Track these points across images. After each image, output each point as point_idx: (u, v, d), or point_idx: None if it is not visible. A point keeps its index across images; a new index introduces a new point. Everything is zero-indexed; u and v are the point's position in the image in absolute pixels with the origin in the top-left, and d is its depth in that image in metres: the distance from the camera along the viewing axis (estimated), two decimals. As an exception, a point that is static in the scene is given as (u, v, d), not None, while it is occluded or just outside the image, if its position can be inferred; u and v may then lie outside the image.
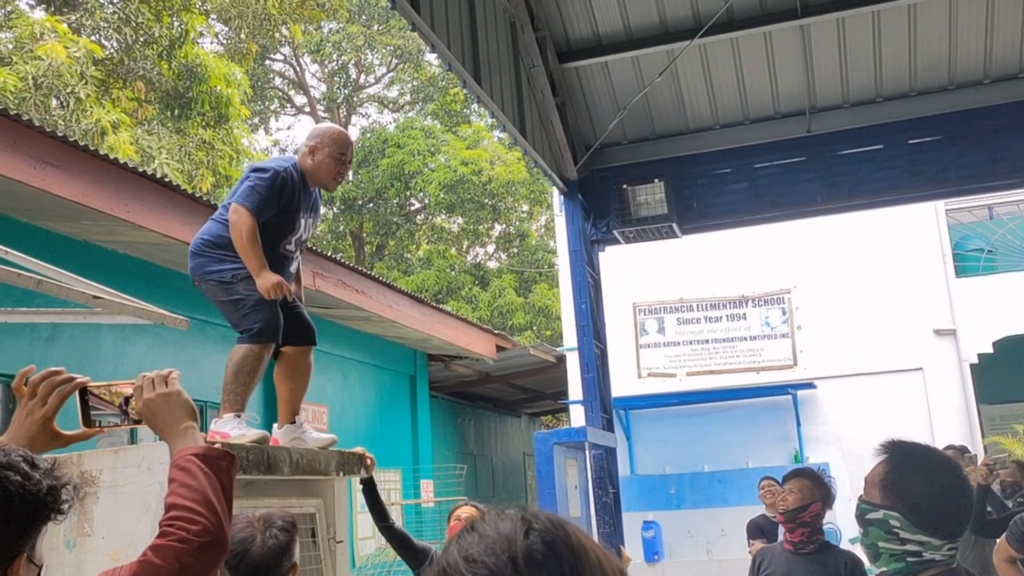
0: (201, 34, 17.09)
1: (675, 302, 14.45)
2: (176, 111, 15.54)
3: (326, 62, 28.25)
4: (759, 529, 7.03)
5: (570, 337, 13.69)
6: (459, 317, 14.93)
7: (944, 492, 2.18)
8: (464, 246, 27.71)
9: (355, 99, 29.30)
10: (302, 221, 4.02)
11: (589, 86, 8.50)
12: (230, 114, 15.77)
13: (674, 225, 8.41)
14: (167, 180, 8.57)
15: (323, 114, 29.07)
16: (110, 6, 15.26)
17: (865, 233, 13.37)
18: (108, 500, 3.00)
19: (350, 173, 25.61)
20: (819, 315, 13.84)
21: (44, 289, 4.05)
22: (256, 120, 27.30)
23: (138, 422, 1.94)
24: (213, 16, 19.19)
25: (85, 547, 2.97)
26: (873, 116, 8.31)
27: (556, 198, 15.11)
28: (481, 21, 6.81)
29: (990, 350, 13.27)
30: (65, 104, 12.74)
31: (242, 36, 19.13)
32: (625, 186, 8.45)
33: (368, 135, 27.20)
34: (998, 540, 4.68)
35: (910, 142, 8.24)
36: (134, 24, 14.55)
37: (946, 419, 13.14)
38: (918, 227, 13.71)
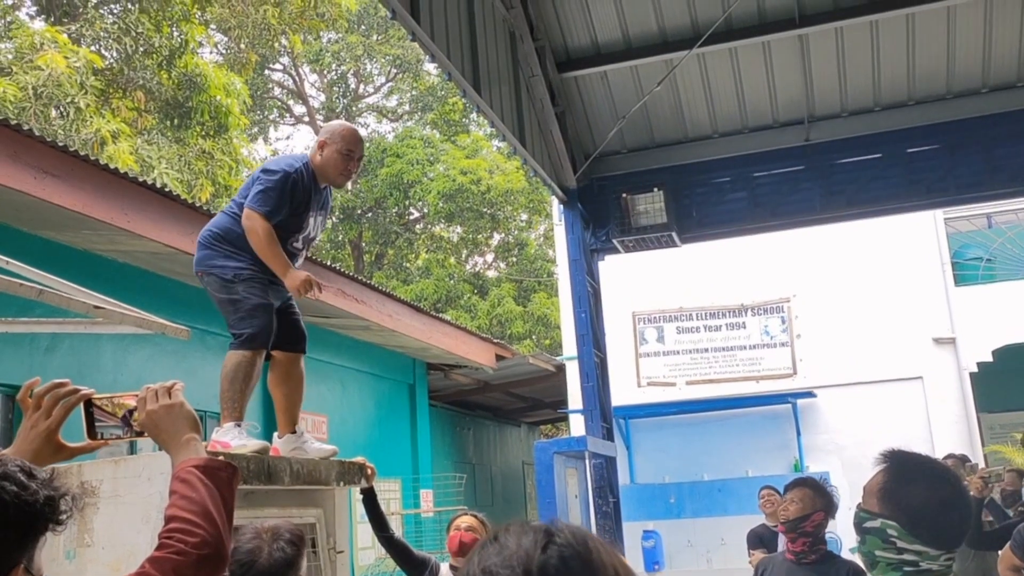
0: (201, 44, 17.13)
1: (674, 311, 14.46)
2: (176, 121, 15.56)
3: (325, 72, 28.30)
4: (759, 539, 7.01)
5: (570, 346, 13.69)
6: (458, 326, 14.92)
7: (942, 502, 2.18)
8: (463, 255, 27.72)
9: (354, 109, 29.34)
10: (311, 220, 4.03)
11: (588, 95, 8.52)
12: (229, 124, 15.80)
13: (673, 234, 8.42)
14: (167, 190, 8.58)
15: (322, 124, 29.12)
16: (110, 16, 15.30)
17: (864, 242, 13.38)
18: (108, 511, 2.99)
19: (350, 182, 25.64)
20: (818, 324, 13.84)
21: (45, 299, 4.05)
22: (255, 130, 27.35)
23: (141, 434, 1.94)
24: (213, 26, 19.24)
25: (85, 558, 2.96)
26: (871, 125, 8.32)
27: (555, 207, 15.13)
28: (481, 31, 6.83)
29: (990, 359, 13.27)
30: (65, 114, 12.75)
31: (241, 46, 19.16)
32: (624, 195, 8.46)
33: (367, 145, 27.20)
34: (1001, 550, 4.67)
35: (909, 151, 8.25)
36: (134, 34, 14.58)
37: (946, 428, 13.13)
38: (917, 236, 13.72)
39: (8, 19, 14.62)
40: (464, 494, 14.53)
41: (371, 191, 25.05)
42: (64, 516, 1.53)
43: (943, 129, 8.14)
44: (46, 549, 1.57)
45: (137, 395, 1.94)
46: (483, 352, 14.78)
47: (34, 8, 16.13)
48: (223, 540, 1.70)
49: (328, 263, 10.94)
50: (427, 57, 6.20)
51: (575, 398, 13.21)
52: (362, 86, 29.41)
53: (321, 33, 24.45)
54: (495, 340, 16.02)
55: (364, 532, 10.23)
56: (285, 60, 27.26)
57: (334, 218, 26.12)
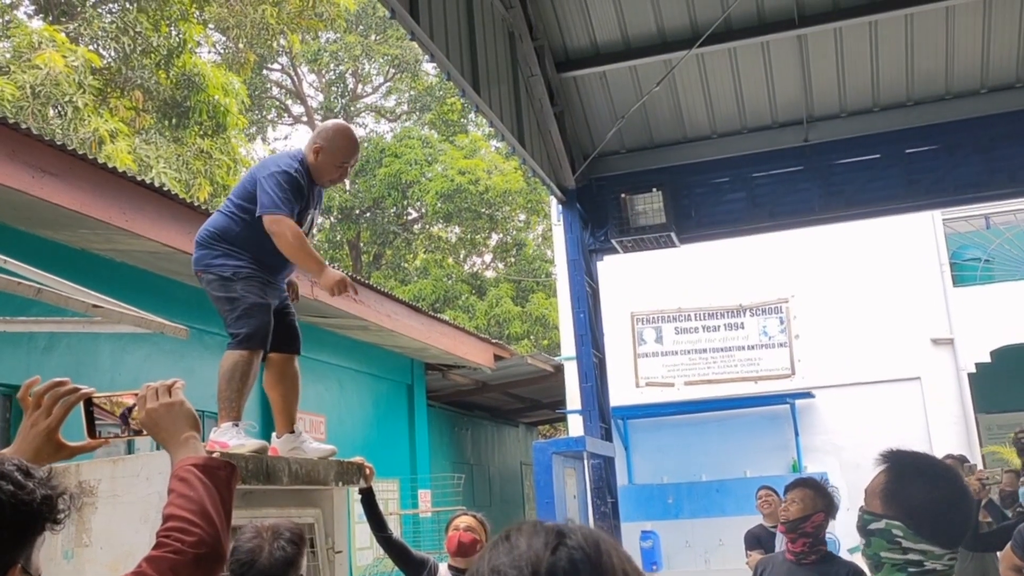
0: (199, 44, 17.12)
1: (673, 311, 14.46)
2: (174, 120, 15.55)
3: (324, 72, 28.28)
4: (756, 539, 7.01)
5: (568, 346, 13.69)
6: (456, 326, 14.92)
7: (946, 500, 2.18)
8: (461, 255, 27.71)
9: (352, 108, 29.33)
10: (309, 216, 4.04)
11: (587, 95, 8.52)
12: (228, 123, 15.78)
13: (672, 234, 8.41)
14: (165, 189, 8.57)
15: (320, 124, 29.08)
16: (108, 16, 15.28)
17: (862, 243, 13.38)
18: (106, 510, 2.99)
19: (347, 182, 25.64)
20: (817, 324, 13.84)
21: (43, 298, 4.04)
22: (254, 129, 27.32)
23: (139, 432, 1.94)
24: (211, 26, 19.22)
25: (83, 558, 2.95)
26: (870, 125, 8.33)
27: (554, 207, 15.13)
28: (480, 30, 6.82)
29: (988, 359, 13.28)
30: (63, 113, 12.74)
31: (240, 46, 19.15)
32: (623, 195, 8.46)
33: (365, 145, 27.21)
34: (1000, 552, 4.67)
35: (907, 151, 8.25)
36: (132, 34, 14.56)
37: (944, 428, 13.13)
38: (915, 237, 13.73)
39: (6, 18, 14.61)
40: (462, 494, 14.52)
41: (369, 191, 25.04)
42: (62, 515, 1.53)
43: (942, 130, 8.14)
44: (44, 549, 1.57)
45: (136, 394, 1.94)
46: (481, 352, 14.78)
47: (32, 7, 16.11)
48: (221, 539, 1.70)
49: (326, 263, 10.91)
50: (426, 57, 6.20)
51: (573, 398, 13.21)
52: (360, 86, 29.40)
53: (319, 33, 24.41)
54: (493, 340, 16.02)
55: (362, 532, 10.23)
56: (283, 60, 27.24)
57: (332, 218, 26.11)
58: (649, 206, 8.37)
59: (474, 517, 4.70)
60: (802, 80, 8.16)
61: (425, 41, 5.84)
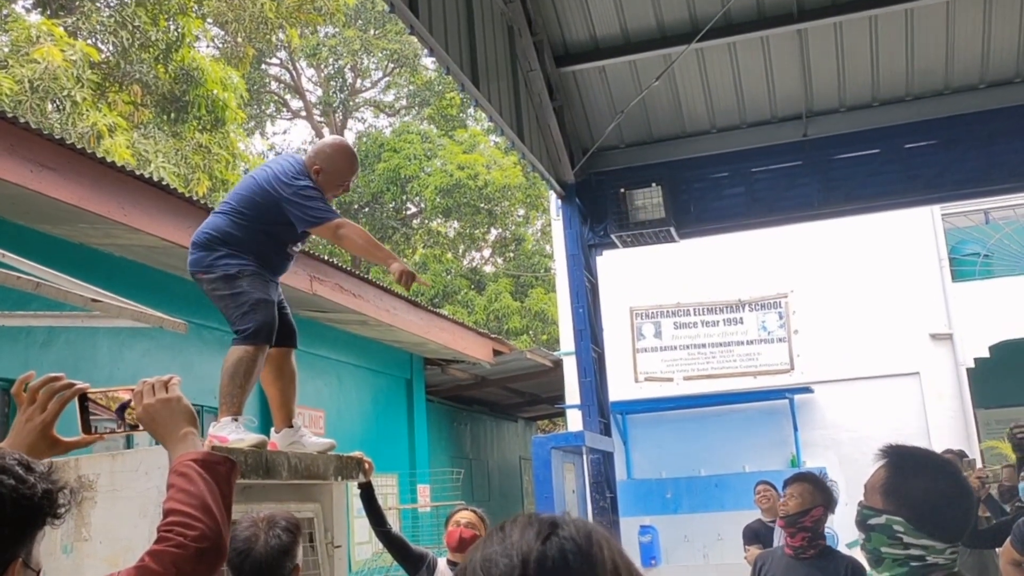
0: (197, 38, 17.08)
1: (672, 306, 14.45)
2: (172, 115, 15.53)
3: (322, 66, 28.25)
4: (755, 534, 7.02)
5: (567, 341, 13.68)
6: (456, 321, 14.92)
7: (946, 495, 2.18)
8: (460, 250, 27.71)
9: (351, 103, 29.30)
10: (302, 231, 4.06)
11: (586, 90, 8.51)
12: (226, 118, 15.77)
13: (671, 229, 8.41)
14: (164, 184, 8.56)
15: (319, 118, 29.07)
16: (106, 10, 15.25)
17: (862, 237, 13.38)
18: (106, 505, 2.99)
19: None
20: (816, 319, 13.84)
21: (42, 292, 4.04)
22: (252, 124, 27.30)
23: (135, 427, 1.94)
24: (209, 20, 19.18)
25: (83, 552, 2.95)
26: (869, 120, 8.32)
27: (553, 202, 15.12)
28: (479, 25, 6.81)
29: (987, 354, 13.28)
30: (61, 107, 12.72)
31: (238, 40, 19.12)
32: (623, 190, 8.45)
33: (364, 139, 27.20)
34: (1000, 546, 4.68)
35: (906, 146, 8.24)
36: (130, 28, 14.54)
37: (943, 424, 13.14)
38: (914, 231, 13.72)
39: (4, 12, 14.57)
40: (461, 489, 14.54)
41: (368, 186, 25.02)
42: (62, 510, 1.53)
43: (941, 125, 8.14)
44: (43, 543, 1.57)
45: (132, 389, 1.93)
46: (480, 347, 14.78)
47: (30, 1, 16.08)
48: (222, 533, 1.70)
49: (325, 258, 10.92)
50: (425, 51, 6.19)
51: (572, 393, 13.21)
52: (359, 81, 29.36)
53: (318, 27, 24.39)
54: (492, 335, 16.02)
55: (361, 527, 10.23)
56: (282, 54, 27.21)
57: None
58: (648, 201, 8.37)
59: (475, 512, 4.70)
60: (801, 75, 8.15)
61: (424, 36, 5.83)
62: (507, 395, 19.06)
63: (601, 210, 8.66)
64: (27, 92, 12.19)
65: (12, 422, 1.94)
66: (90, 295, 4.25)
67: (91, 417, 1.96)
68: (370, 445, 12.12)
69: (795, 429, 13.51)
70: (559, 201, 8.99)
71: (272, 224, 3.90)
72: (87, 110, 12.87)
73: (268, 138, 29.80)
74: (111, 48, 15.01)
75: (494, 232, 27.02)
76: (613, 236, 8.56)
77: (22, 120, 6.99)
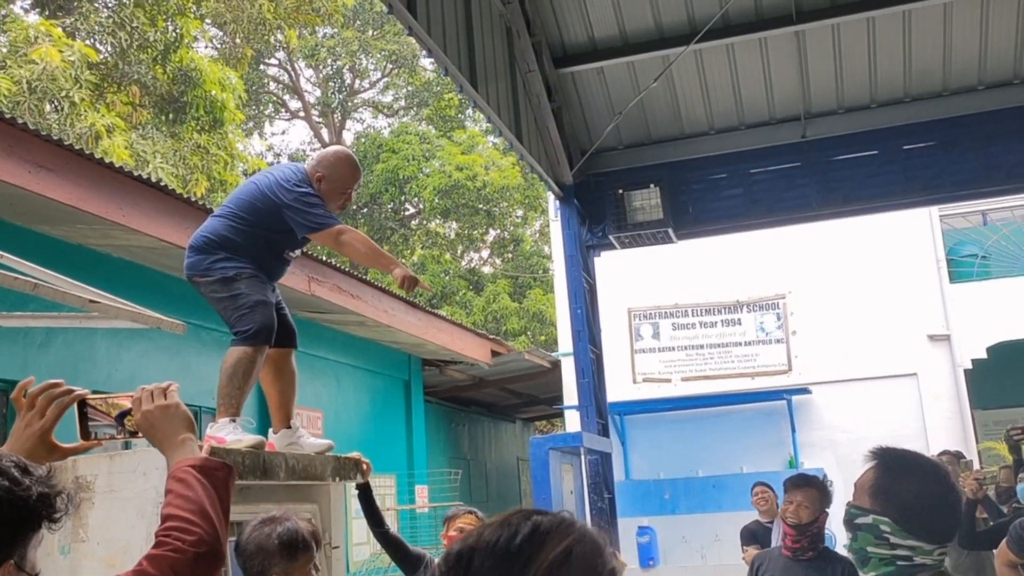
0: (196, 39, 17.08)
1: (670, 307, 14.46)
2: (171, 115, 15.52)
3: (321, 67, 28.24)
4: (752, 535, 7.02)
5: (565, 342, 13.68)
6: (454, 322, 14.92)
7: (934, 497, 2.18)
8: (459, 251, 27.70)
9: (350, 104, 29.29)
10: (302, 238, 4.05)
11: (585, 91, 8.51)
12: (225, 118, 15.76)
13: (669, 230, 8.41)
14: (162, 184, 8.56)
15: (317, 119, 29.07)
16: (105, 10, 15.24)
17: (859, 239, 13.39)
18: (103, 506, 2.99)
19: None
20: (814, 320, 13.85)
21: (40, 293, 4.04)
22: (251, 125, 27.28)
23: (135, 434, 1.94)
24: (208, 21, 19.18)
25: (80, 553, 2.95)
26: (868, 122, 8.33)
27: (551, 203, 15.12)
28: (477, 26, 6.82)
29: (984, 355, 13.29)
30: (59, 108, 12.71)
31: (237, 41, 19.11)
32: (621, 191, 8.46)
33: (363, 140, 27.19)
34: (998, 547, 4.68)
35: (904, 148, 8.25)
36: (129, 28, 14.53)
37: (940, 424, 13.15)
38: (912, 233, 13.73)
39: (2, 12, 14.56)
40: (459, 490, 14.54)
41: (366, 187, 25.02)
42: (59, 514, 1.52)
43: (939, 126, 8.14)
44: (41, 544, 1.57)
45: (132, 396, 1.94)
46: (478, 348, 14.78)
47: (28, 2, 16.07)
48: (220, 538, 1.71)
49: (324, 259, 10.92)
50: (423, 52, 6.19)
51: (570, 394, 13.20)
52: (358, 81, 29.35)
53: (317, 28, 24.40)
54: (491, 336, 16.02)
55: (359, 528, 10.23)
56: (281, 55, 27.20)
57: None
58: (646, 202, 8.37)
59: (475, 515, 4.70)
60: (800, 76, 8.16)
61: (423, 37, 5.84)
62: (505, 396, 19.06)
63: (599, 211, 8.67)
64: (25, 93, 12.19)
65: (11, 426, 1.94)
66: (88, 296, 4.25)
67: (90, 423, 1.96)
68: (368, 446, 12.11)
69: (793, 430, 13.52)
70: (557, 202, 8.99)
71: (272, 231, 3.89)
72: (85, 111, 12.86)
73: (266, 139, 29.80)
74: (109, 49, 15.00)
75: (492, 233, 27.02)
76: (611, 237, 8.56)
77: (20, 121, 6.98)
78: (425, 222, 26.97)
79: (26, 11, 15.80)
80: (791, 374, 13.88)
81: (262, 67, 27.25)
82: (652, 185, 8.39)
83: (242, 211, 3.89)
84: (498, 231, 26.86)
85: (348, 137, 29.11)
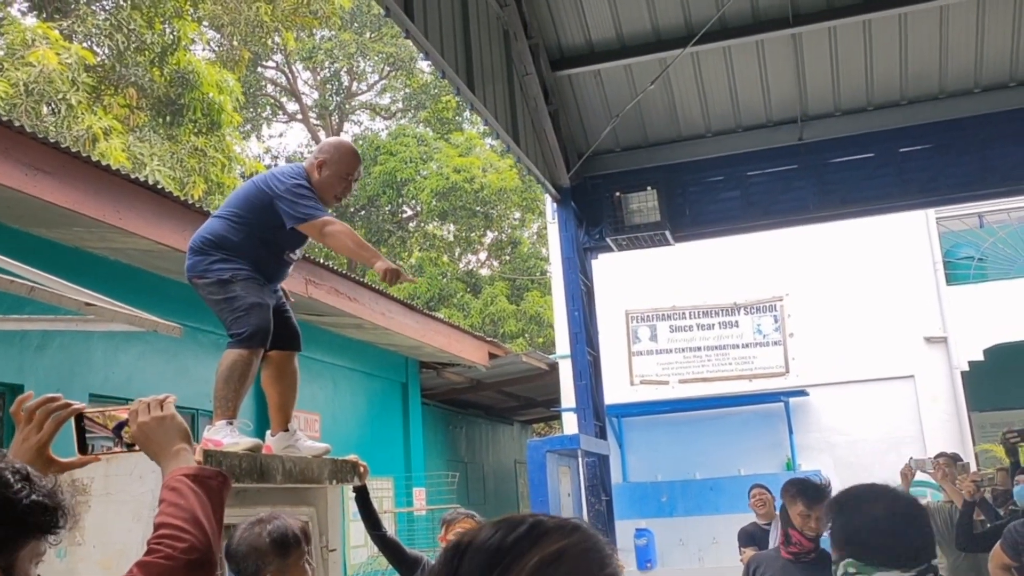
0: (193, 41, 17.07)
1: (667, 309, 14.47)
2: (168, 118, 15.51)
3: (318, 69, 28.24)
4: (750, 537, 7.03)
5: (563, 344, 13.68)
6: (451, 324, 14.91)
7: (887, 518, 2.15)
8: (456, 253, 27.70)
9: (347, 106, 29.29)
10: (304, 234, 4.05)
11: (582, 94, 8.52)
12: (222, 121, 15.74)
13: (667, 233, 8.42)
14: (159, 187, 8.55)
15: (315, 121, 29.06)
16: (102, 13, 15.24)
17: (856, 241, 13.40)
18: (99, 509, 2.98)
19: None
20: (811, 323, 13.86)
21: (36, 296, 4.03)
22: (248, 127, 27.27)
23: (132, 446, 1.95)
24: (205, 23, 19.17)
25: (76, 556, 2.95)
26: (864, 124, 8.34)
27: (549, 205, 15.13)
28: (474, 29, 6.82)
29: (981, 358, 13.31)
30: (56, 111, 12.70)
31: (234, 43, 19.11)
32: (618, 193, 8.46)
33: (360, 142, 27.19)
34: (992, 549, 4.69)
35: (901, 150, 8.27)
36: (126, 31, 14.52)
37: (937, 427, 13.16)
38: (909, 235, 13.75)
39: (0, 15, 14.56)
40: (456, 492, 14.52)
41: (364, 189, 25.02)
42: (54, 526, 1.51)
43: (935, 129, 8.16)
44: (40, 560, 1.55)
45: (129, 408, 1.94)
46: (476, 350, 14.77)
47: (26, 4, 16.06)
48: (212, 546, 1.70)
49: (321, 261, 10.92)
50: (421, 55, 6.20)
51: (568, 396, 13.20)
52: (355, 84, 29.36)
53: (314, 30, 24.39)
54: (488, 338, 16.01)
55: (357, 530, 10.22)
56: (278, 57, 27.19)
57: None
58: (644, 204, 8.38)
59: (473, 519, 4.69)
60: (796, 79, 8.17)
61: (420, 39, 5.84)
62: (502, 398, 19.05)
63: (596, 213, 8.67)
64: (22, 95, 12.18)
65: (8, 424, 1.95)
66: (85, 299, 4.25)
67: (87, 435, 1.97)
68: (365, 448, 12.09)
69: (790, 432, 13.53)
70: (555, 204, 9.00)
71: (268, 228, 3.89)
72: (82, 113, 12.86)
73: (264, 141, 29.79)
74: (106, 51, 14.99)
75: (490, 235, 27.02)
76: (608, 239, 8.57)
77: (17, 123, 6.98)
78: (423, 224, 26.98)
79: (23, 14, 15.79)
80: (788, 376, 13.89)
81: (259, 69, 27.24)
82: (649, 187, 8.40)
83: (239, 208, 3.90)
84: (496, 233, 26.86)
85: (345, 139, 29.06)
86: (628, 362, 14.33)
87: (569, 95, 8.50)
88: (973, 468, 9.92)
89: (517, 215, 26.48)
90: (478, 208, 24.42)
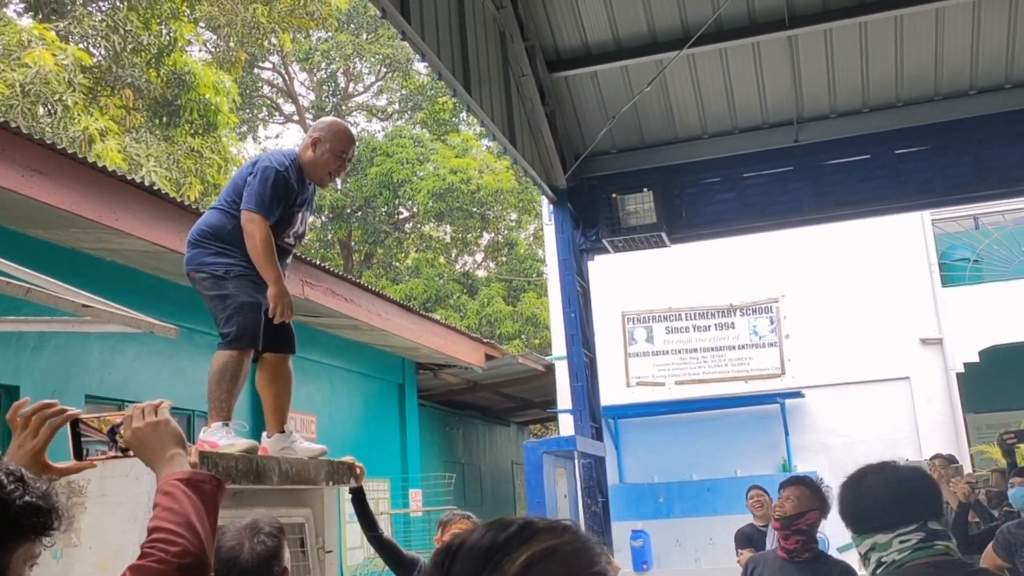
0: (190, 42, 17.06)
1: (664, 311, 14.48)
2: (164, 119, 15.50)
3: (315, 70, 28.24)
4: (747, 538, 7.03)
5: (559, 346, 13.70)
6: (448, 326, 14.91)
7: (880, 486, 2.21)
8: (453, 255, 27.70)
9: (344, 108, 29.27)
10: (299, 215, 4.03)
11: (578, 95, 8.53)
12: (218, 122, 15.74)
13: (663, 234, 8.43)
14: (155, 188, 8.55)
15: (312, 123, 29.03)
16: (98, 14, 15.23)
17: (852, 243, 13.43)
18: (95, 510, 2.98)
19: (338, 181, 25.59)
20: (807, 324, 13.89)
21: (33, 297, 4.03)
22: (244, 128, 27.26)
23: (126, 451, 1.95)
24: (202, 24, 19.16)
25: (72, 558, 2.95)
26: (860, 126, 8.35)
27: (545, 207, 15.13)
28: (471, 30, 6.83)
29: (976, 359, 13.34)
30: (53, 112, 12.69)
31: (231, 44, 19.11)
32: (614, 195, 8.47)
33: (357, 144, 27.15)
34: (984, 550, 4.71)
35: (896, 152, 8.28)
36: (122, 32, 14.51)
37: (932, 428, 13.19)
38: (904, 237, 13.78)
39: (-5, 16, 14.53)
40: (453, 494, 14.52)
41: (360, 190, 25.01)
42: (48, 527, 1.51)
43: (931, 131, 8.18)
44: (35, 563, 1.55)
45: (124, 413, 1.95)
46: (472, 352, 14.77)
47: (22, 5, 16.04)
48: (205, 550, 1.70)
49: (317, 262, 10.91)
50: (417, 56, 6.20)
51: (564, 398, 13.20)
52: (352, 85, 29.36)
53: (311, 32, 24.38)
54: (485, 340, 16.02)
55: (353, 531, 10.21)
56: (275, 59, 27.18)
57: (323, 217, 26.06)
58: (640, 206, 8.39)
59: (469, 520, 4.69)
60: (792, 81, 8.19)
61: (416, 41, 5.84)
62: (499, 399, 19.05)
63: (593, 215, 8.68)
64: (18, 96, 12.16)
65: (3, 424, 1.96)
66: (81, 300, 4.24)
67: (83, 440, 1.97)
68: (362, 450, 12.07)
69: (786, 433, 13.55)
70: (551, 206, 9.00)
71: None
72: (79, 114, 12.85)
73: (260, 142, 29.75)
74: (103, 52, 14.97)
75: (487, 236, 27.02)
76: (605, 241, 8.58)
77: (13, 124, 6.97)
78: (419, 226, 26.97)
79: (19, 15, 15.77)
80: (784, 378, 13.91)
81: (256, 71, 27.23)
82: (645, 189, 8.41)
83: (232, 196, 3.91)
84: (492, 235, 26.87)
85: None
86: (624, 363, 14.34)
87: (565, 97, 8.51)
88: (968, 470, 9.94)
89: (514, 216, 26.49)
90: (475, 209, 24.42)
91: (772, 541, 6.24)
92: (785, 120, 8.46)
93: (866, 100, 8.29)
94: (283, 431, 4.01)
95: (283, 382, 4.06)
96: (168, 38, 15.09)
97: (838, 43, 7.87)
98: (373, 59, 27.86)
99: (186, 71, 15.15)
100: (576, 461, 8.00)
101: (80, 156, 7.57)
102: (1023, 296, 13.34)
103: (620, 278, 13.49)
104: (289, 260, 4.16)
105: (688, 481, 13.41)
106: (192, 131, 15.49)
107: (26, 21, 14.97)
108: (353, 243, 27.35)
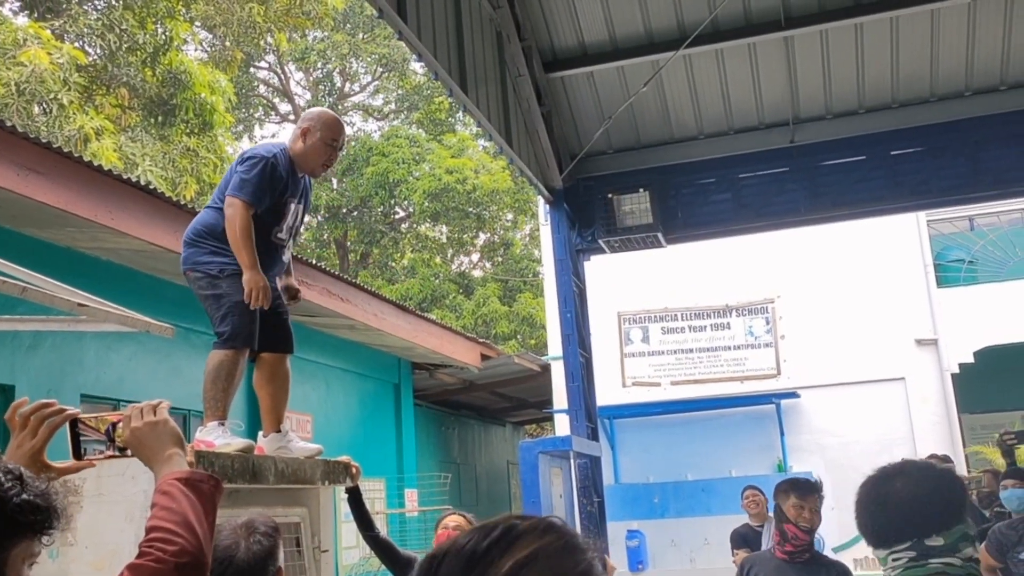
0: (185, 41, 17.05)
1: (659, 311, 14.49)
2: (160, 118, 15.48)
3: (311, 70, 28.21)
4: (742, 538, 7.04)
5: (555, 346, 13.70)
6: (444, 326, 14.91)
7: (880, 499, 2.19)
8: (448, 255, 27.69)
9: (340, 107, 29.25)
10: (292, 207, 4.02)
11: (575, 95, 8.53)
12: (214, 121, 15.71)
13: (659, 234, 8.44)
14: (151, 187, 8.54)
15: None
16: (94, 12, 15.20)
17: (848, 243, 13.45)
18: (92, 509, 2.98)
19: (334, 180, 25.58)
20: (802, 325, 13.91)
21: (28, 296, 4.02)
22: (240, 128, 27.23)
23: (124, 450, 1.95)
24: (198, 23, 19.14)
25: (68, 557, 2.95)
26: (856, 127, 8.37)
27: (541, 207, 15.14)
28: (467, 30, 6.83)
29: (971, 360, 13.37)
30: (48, 111, 12.66)
31: (227, 44, 19.08)
32: (610, 195, 8.48)
33: (353, 143, 27.16)
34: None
35: (892, 153, 8.30)
36: (118, 31, 14.49)
37: (928, 428, 13.22)
38: (900, 238, 13.81)
39: (-9, 14, 14.50)
40: (449, 493, 14.52)
41: (356, 190, 24.99)
42: (47, 526, 1.51)
43: (926, 132, 8.20)
44: (34, 561, 1.55)
45: (122, 414, 1.95)
46: (468, 352, 14.78)
47: (17, 4, 16.01)
48: (203, 550, 1.70)
49: (313, 262, 10.91)
50: (413, 56, 6.20)
51: (560, 398, 13.22)
52: (348, 84, 29.33)
53: (307, 31, 24.36)
54: (480, 340, 16.02)
55: (349, 531, 10.21)
56: (271, 58, 27.15)
57: (319, 217, 26.03)
58: (636, 206, 8.40)
59: (464, 517, 4.70)
60: (788, 82, 8.20)
61: (412, 41, 5.84)
62: (495, 399, 19.05)
63: (589, 215, 8.69)
64: (14, 95, 12.14)
65: (1, 424, 1.95)
66: (77, 299, 4.24)
67: (82, 440, 1.97)
68: (358, 449, 12.07)
69: (781, 434, 13.57)
70: (547, 206, 9.01)
71: None
72: (74, 113, 12.82)
73: (256, 142, 29.69)
74: (98, 51, 14.95)
75: (482, 236, 27.01)
76: (601, 241, 8.58)
77: (8, 123, 6.96)
78: (415, 225, 26.95)
79: (15, 13, 15.74)
80: (780, 378, 13.93)
81: (252, 70, 27.20)
82: (642, 189, 8.42)
83: (223, 192, 3.90)
84: (488, 235, 26.86)
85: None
86: (620, 364, 14.35)
87: (562, 97, 8.51)
88: (963, 470, 9.96)
89: (510, 216, 26.48)
90: (471, 209, 24.41)
91: (767, 541, 6.25)
92: (781, 121, 8.47)
93: (862, 101, 8.31)
94: (279, 431, 4.01)
95: (280, 382, 4.06)
96: (164, 37, 15.07)
97: (834, 44, 7.89)
98: (369, 59, 27.84)
99: (182, 70, 15.13)
100: (572, 461, 8.00)
101: (76, 155, 7.56)
102: (1018, 297, 13.37)
103: (616, 278, 13.50)
104: (287, 257, 4.13)
105: (683, 481, 13.42)
106: (188, 130, 15.46)
107: (21, 20, 14.95)
108: (349, 243, 27.32)
